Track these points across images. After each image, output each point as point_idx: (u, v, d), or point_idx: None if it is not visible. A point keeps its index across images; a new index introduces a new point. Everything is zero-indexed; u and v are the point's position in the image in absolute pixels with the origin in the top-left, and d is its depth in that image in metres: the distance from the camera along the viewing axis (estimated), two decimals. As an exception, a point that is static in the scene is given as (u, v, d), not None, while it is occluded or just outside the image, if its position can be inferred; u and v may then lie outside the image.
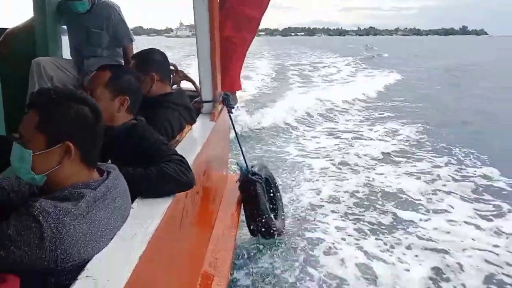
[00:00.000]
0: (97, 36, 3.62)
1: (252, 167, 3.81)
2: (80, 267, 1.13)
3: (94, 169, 1.32)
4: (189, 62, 18.32)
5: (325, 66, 25.22)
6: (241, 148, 3.78)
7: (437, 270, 3.63)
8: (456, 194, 5.44)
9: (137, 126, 1.85)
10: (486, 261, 3.79)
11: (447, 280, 3.50)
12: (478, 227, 4.48)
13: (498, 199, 5.25)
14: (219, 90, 3.16)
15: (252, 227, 3.68)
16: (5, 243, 1.08)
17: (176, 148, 2.22)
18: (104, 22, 3.59)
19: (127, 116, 1.89)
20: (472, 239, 4.17)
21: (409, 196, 5.34)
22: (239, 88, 3.49)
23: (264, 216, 3.61)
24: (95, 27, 3.60)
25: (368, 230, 4.38)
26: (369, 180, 5.86)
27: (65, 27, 3.80)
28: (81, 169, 1.27)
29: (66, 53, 3.88)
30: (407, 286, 3.39)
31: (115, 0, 3.72)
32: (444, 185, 5.73)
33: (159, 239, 1.41)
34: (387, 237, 4.19)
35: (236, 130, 3.73)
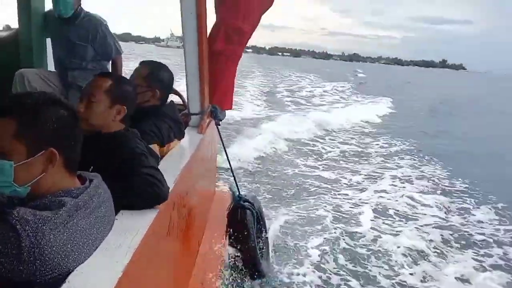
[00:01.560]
0: (82, 49, 3.57)
1: (244, 195, 3.57)
2: (61, 279, 1.05)
3: (75, 175, 1.25)
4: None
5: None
6: (230, 165, 3.70)
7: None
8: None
9: (122, 135, 1.81)
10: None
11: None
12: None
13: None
14: (207, 102, 3.12)
15: (236, 262, 3.32)
16: None
17: (162, 160, 2.18)
18: (89, 36, 3.55)
19: (120, 126, 1.85)
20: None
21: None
22: (230, 106, 3.43)
23: (251, 252, 3.31)
24: (80, 40, 3.55)
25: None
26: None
27: (49, 39, 3.75)
28: (64, 176, 1.20)
29: (51, 64, 3.82)
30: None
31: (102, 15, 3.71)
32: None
33: (145, 251, 1.34)
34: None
35: (224, 144, 3.67)
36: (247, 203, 3.41)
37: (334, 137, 11.70)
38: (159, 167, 2.01)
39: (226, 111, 3.43)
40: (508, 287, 4.20)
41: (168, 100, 2.97)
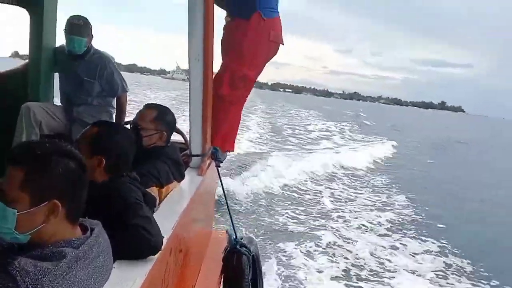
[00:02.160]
0: (89, 85, 3.65)
1: (241, 238, 3.42)
2: None
3: (77, 225, 1.27)
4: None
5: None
6: (228, 207, 3.69)
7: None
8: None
9: (114, 184, 1.79)
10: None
11: None
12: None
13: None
14: (209, 144, 3.15)
15: None
16: None
17: (162, 204, 2.19)
18: (97, 72, 3.64)
19: (105, 176, 1.83)
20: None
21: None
22: (232, 148, 3.47)
23: None
24: (88, 76, 3.64)
25: None
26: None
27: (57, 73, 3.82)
28: (66, 226, 1.22)
29: (57, 98, 3.88)
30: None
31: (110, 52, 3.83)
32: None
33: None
34: None
35: (224, 186, 3.68)
36: (243, 248, 3.36)
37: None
38: (158, 210, 2.04)
39: (227, 152, 3.47)
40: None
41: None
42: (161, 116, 2.58)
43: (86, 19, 3.57)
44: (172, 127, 2.67)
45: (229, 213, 3.67)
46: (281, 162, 12.70)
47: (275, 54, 3.28)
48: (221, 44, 3.24)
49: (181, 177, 2.59)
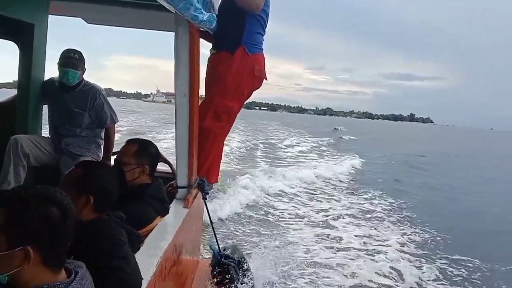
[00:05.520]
0: (79, 117, 3.70)
1: (224, 249, 3.81)
2: None
3: (60, 270, 1.29)
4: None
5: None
6: (214, 233, 3.76)
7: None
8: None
9: (99, 224, 1.83)
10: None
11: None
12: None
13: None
14: (195, 176, 3.20)
15: None
16: None
17: (148, 238, 2.23)
18: (88, 104, 3.69)
19: (93, 214, 1.86)
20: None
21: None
22: (216, 180, 3.52)
23: None
24: (78, 108, 3.69)
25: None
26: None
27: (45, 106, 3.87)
28: (44, 271, 1.24)
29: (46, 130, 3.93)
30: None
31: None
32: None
33: None
34: None
35: (210, 215, 3.72)
36: (227, 259, 3.68)
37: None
38: (143, 246, 2.08)
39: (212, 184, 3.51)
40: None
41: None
42: (142, 150, 2.67)
43: (80, 53, 3.63)
44: (154, 159, 2.74)
45: (213, 229, 3.78)
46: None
47: (259, 87, 3.35)
48: (206, 76, 3.30)
49: (166, 211, 2.64)
